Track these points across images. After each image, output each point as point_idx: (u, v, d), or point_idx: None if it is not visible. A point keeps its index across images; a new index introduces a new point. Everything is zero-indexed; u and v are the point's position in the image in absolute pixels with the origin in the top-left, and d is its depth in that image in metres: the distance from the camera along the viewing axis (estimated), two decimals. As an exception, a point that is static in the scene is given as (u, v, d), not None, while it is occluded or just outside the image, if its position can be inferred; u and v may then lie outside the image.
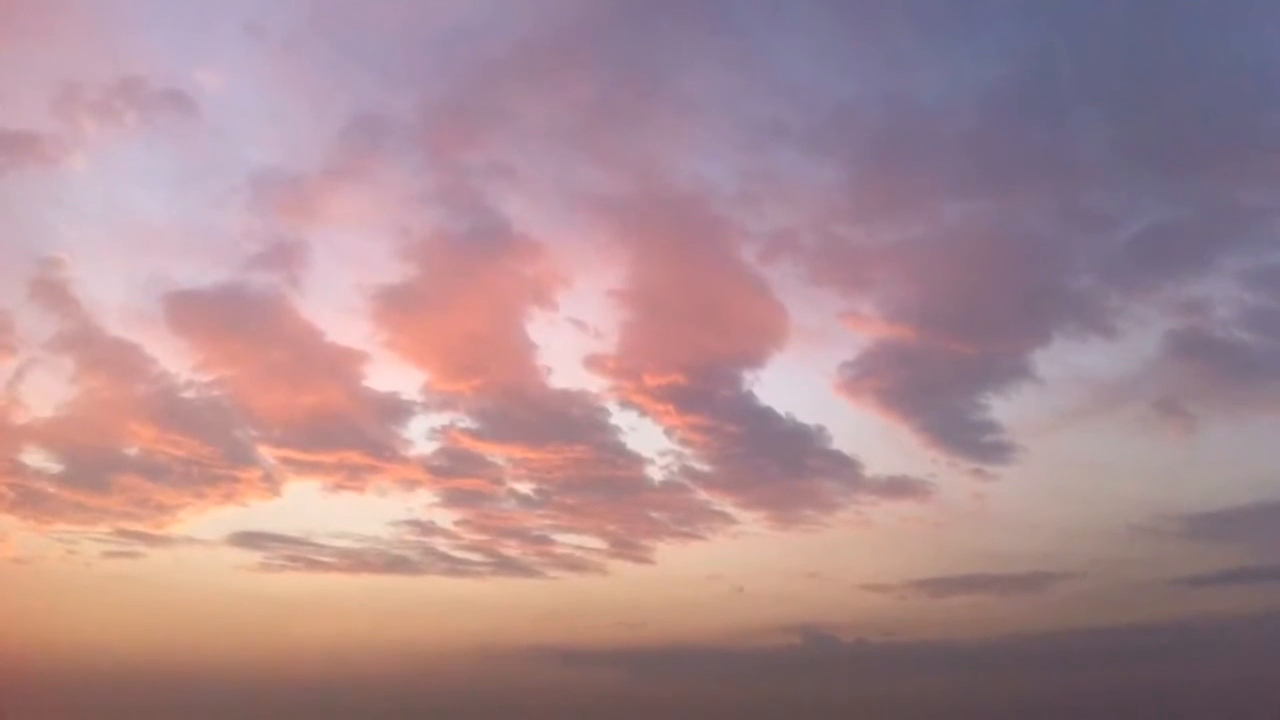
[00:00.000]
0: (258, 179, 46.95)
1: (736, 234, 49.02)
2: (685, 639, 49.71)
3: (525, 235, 48.68)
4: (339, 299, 48.23)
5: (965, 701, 45.95)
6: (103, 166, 46.81)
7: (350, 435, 47.78)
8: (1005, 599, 47.97)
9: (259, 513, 47.37)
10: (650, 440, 49.43)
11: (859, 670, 47.82)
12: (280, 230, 47.38)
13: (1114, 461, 48.23)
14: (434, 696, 46.24)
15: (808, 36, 49.54)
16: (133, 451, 47.08)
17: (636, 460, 48.72)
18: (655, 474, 48.90)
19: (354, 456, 47.60)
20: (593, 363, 48.87)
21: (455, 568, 48.21)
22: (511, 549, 48.64)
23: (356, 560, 47.82)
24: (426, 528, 48.07)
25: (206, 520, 47.02)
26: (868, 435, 50.76)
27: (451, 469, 48.24)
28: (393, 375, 48.53)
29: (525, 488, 48.85)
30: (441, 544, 48.16)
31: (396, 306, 47.85)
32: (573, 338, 48.78)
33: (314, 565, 47.32)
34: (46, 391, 45.47)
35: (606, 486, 49.16)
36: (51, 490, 45.14)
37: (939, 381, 49.97)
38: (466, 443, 48.47)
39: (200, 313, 46.57)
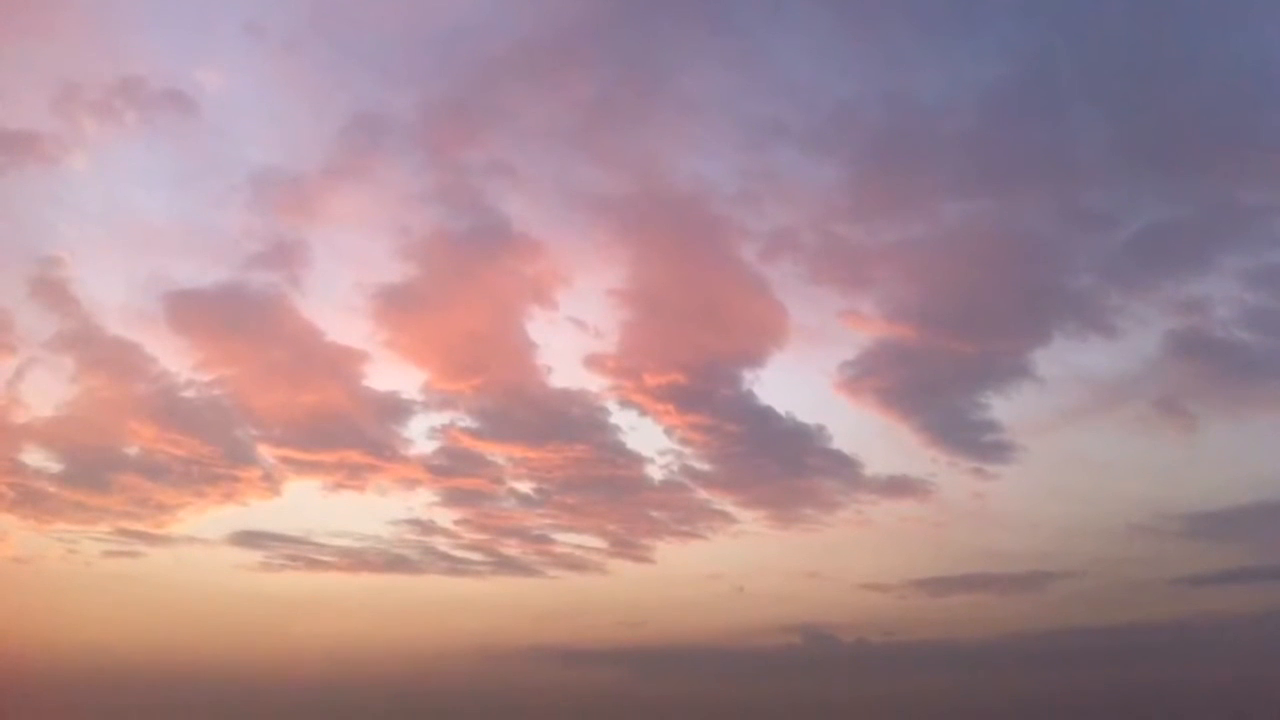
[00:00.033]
0: (258, 178, 47.11)
1: (736, 233, 49.19)
2: (685, 638, 49.89)
3: (525, 234, 48.86)
4: (339, 298, 48.38)
5: (965, 701, 46.01)
6: (103, 166, 46.98)
7: (350, 434, 47.91)
8: (1005, 598, 48.13)
9: (259, 512, 47.52)
10: (650, 439, 49.62)
11: (859, 670, 47.98)
12: (280, 229, 47.54)
13: (1114, 461, 48.47)
14: (434, 696, 46.34)
15: (808, 36, 49.74)
16: (133, 451, 47.22)
17: (636, 459, 48.88)
18: (655, 473, 49.07)
19: (354, 456, 47.74)
20: (593, 362, 49.03)
21: (455, 567, 48.35)
22: (512, 548, 48.78)
23: (357, 559, 47.96)
24: (427, 527, 48.20)
25: (207, 519, 47.18)
26: (868, 434, 50.93)
27: (451, 468, 48.38)
28: (393, 374, 48.71)
29: (525, 487, 49.00)
30: (442, 543, 48.31)
31: (396, 306, 48.01)
32: (573, 337, 48.94)
33: (314, 564, 47.45)
34: (46, 391, 45.61)
35: (606, 486, 49.31)
36: (52, 489, 45.26)
37: (939, 381, 50.12)
38: (466, 442, 48.62)
39: (200, 312, 46.69)
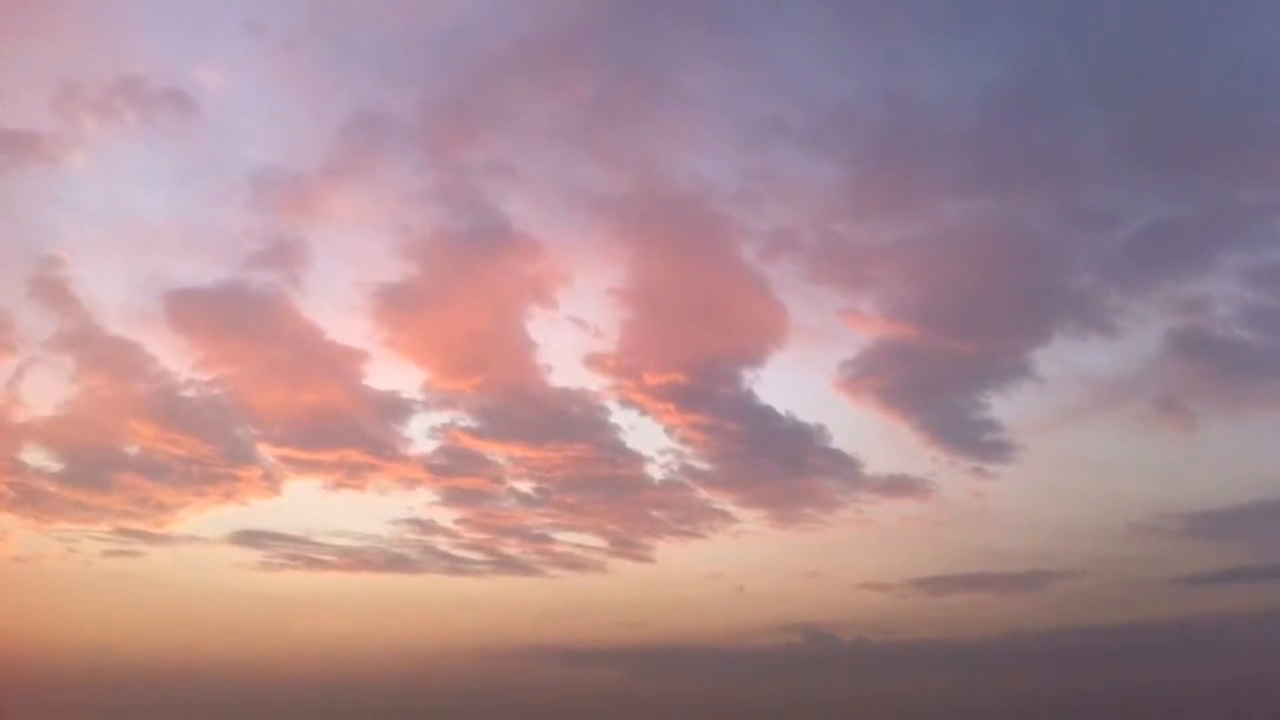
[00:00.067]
0: (258, 177, 47.06)
1: (736, 232, 49.14)
2: (685, 638, 49.87)
3: (525, 234, 48.81)
4: (339, 297, 48.33)
5: (965, 700, 45.98)
6: (103, 165, 46.92)
7: (350, 434, 47.89)
8: (1005, 597, 48.13)
9: (259, 511, 47.50)
10: (650, 439, 49.60)
11: (859, 669, 47.98)
12: (280, 229, 47.50)
13: (1114, 460, 48.43)
14: (434, 695, 46.33)
15: (808, 35, 49.70)
16: (133, 450, 47.22)
17: (637, 459, 48.88)
18: (655, 472, 49.07)
19: (354, 455, 47.73)
20: (593, 361, 49.01)
21: (455, 566, 48.34)
22: (512, 548, 48.78)
23: (357, 559, 47.95)
24: (427, 526, 48.20)
25: (207, 519, 47.16)
26: (868, 434, 50.89)
27: (452, 467, 48.38)
28: (393, 374, 48.69)
29: (525, 486, 49.02)
30: (442, 543, 48.31)
31: (397, 305, 47.99)
32: (573, 336, 48.92)
33: (314, 564, 47.46)
34: (46, 390, 45.56)
35: (607, 485, 49.31)
36: (52, 489, 45.25)
37: (939, 380, 50.13)
38: (467, 441, 48.62)
39: (200, 311, 46.67)
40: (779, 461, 49.56)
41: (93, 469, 45.98)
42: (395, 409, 47.95)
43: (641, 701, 47.63)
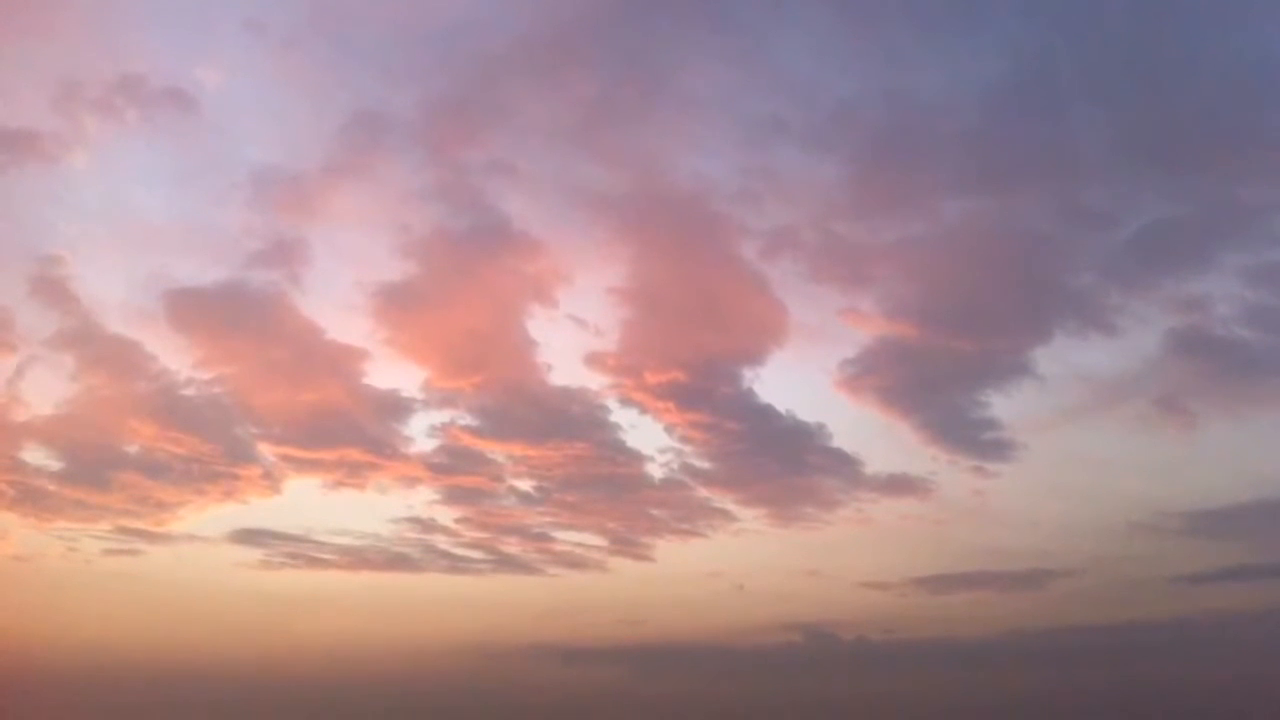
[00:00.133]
0: (258, 176, 47.10)
1: (737, 231, 49.17)
2: (685, 637, 49.93)
3: (525, 233, 48.81)
4: (339, 296, 48.43)
5: (965, 699, 45.99)
6: (103, 164, 46.99)
7: (350, 432, 47.91)
8: (1005, 596, 48.16)
9: (259, 510, 47.55)
10: (650, 437, 49.66)
11: (859, 668, 47.99)
12: (280, 227, 47.55)
13: (1114, 459, 48.42)
14: (434, 694, 46.35)
15: (808, 34, 49.70)
16: (133, 449, 47.28)
17: (637, 457, 48.90)
18: (655, 471, 49.08)
19: (354, 454, 47.76)
20: (593, 360, 49.05)
21: (455, 565, 48.35)
22: (512, 546, 48.80)
23: (357, 558, 47.99)
24: (427, 525, 48.23)
25: (207, 518, 47.21)
26: (868, 432, 50.88)
27: (452, 466, 48.40)
28: (393, 372, 48.78)
29: (525, 485, 49.05)
30: (442, 541, 48.33)
31: (397, 304, 48.00)
32: (573, 335, 48.96)
33: (314, 563, 47.50)
34: (47, 389, 45.66)
35: (607, 484, 49.33)
36: (52, 488, 45.29)
37: (939, 379, 50.11)
38: (467, 440, 48.64)
39: (200, 310, 46.66)
40: (779, 460, 49.69)
41: (93, 468, 46.16)
42: (395, 408, 48.10)
43: (642, 700, 47.73)
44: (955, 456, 48.45)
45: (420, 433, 48.13)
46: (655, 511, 48.94)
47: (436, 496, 48.47)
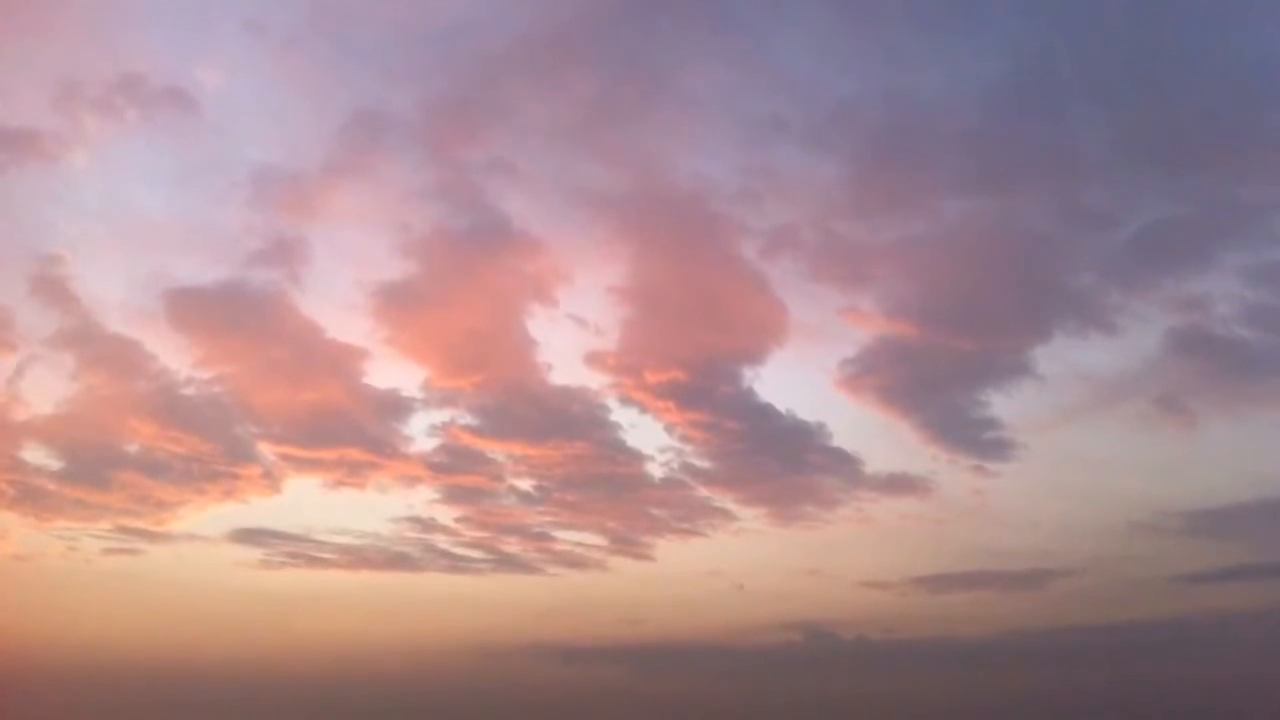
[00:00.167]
0: (258, 176, 47.05)
1: (737, 231, 49.12)
2: (685, 636, 49.88)
3: (525, 232, 48.78)
4: (339, 296, 48.37)
5: (965, 698, 45.98)
6: (103, 163, 46.97)
7: (350, 432, 47.89)
8: (1005, 596, 48.13)
9: (259, 509, 47.52)
10: (650, 437, 49.61)
11: (859, 667, 47.96)
12: (280, 227, 47.51)
13: (1114, 458, 48.36)
14: (434, 693, 46.32)
15: (808, 33, 49.64)
16: (133, 448, 47.27)
17: (637, 457, 48.87)
18: (655, 470, 49.04)
19: (354, 453, 47.75)
20: (593, 359, 49.03)
21: (455, 564, 48.34)
22: (512, 546, 48.78)
23: (357, 557, 47.97)
24: (427, 524, 48.21)
25: (207, 517, 47.18)
26: (868, 432, 50.82)
27: (452, 466, 48.38)
28: (393, 372, 48.74)
29: (526, 484, 49.03)
30: (442, 541, 48.32)
31: (397, 303, 47.98)
32: (573, 334, 48.93)
33: (314, 562, 47.50)
34: (47, 388, 45.63)
35: (607, 483, 49.31)
36: (52, 487, 45.27)
37: (939, 378, 50.06)
38: (467, 439, 48.63)
39: (201, 309, 46.66)
40: (779, 460, 49.66)
41: (93, 467, 46.14)
42: (395, 407, 48.08)
43: (642, 699, 47.71)
44: (955, 456, 48.55)
45: (420, 432, 48.25)
46: (655, 511, 49.07)
47: (436, 496, 48.59)
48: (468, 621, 49.29)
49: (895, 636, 48.17)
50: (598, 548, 48.73)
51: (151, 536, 46.14)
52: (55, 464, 45.28)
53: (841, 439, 48.84)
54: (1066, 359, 48.36)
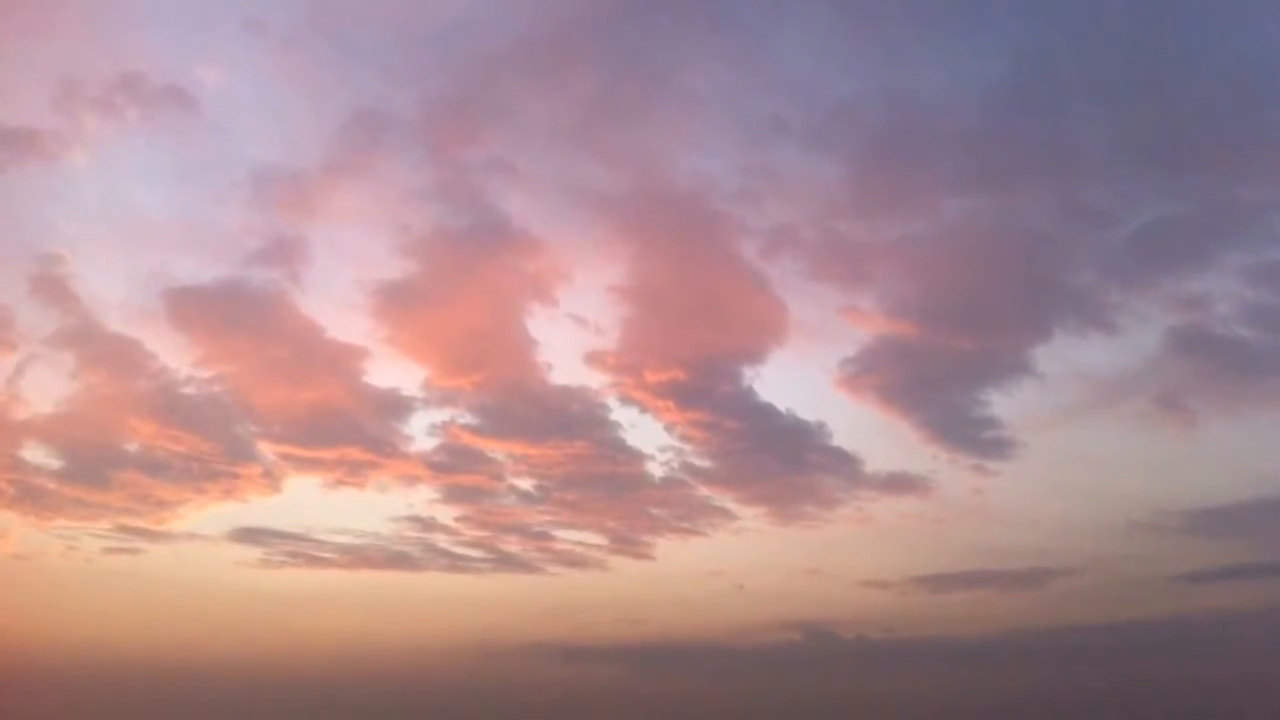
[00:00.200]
0: (258, 175, 47.07)
1: (737, 230, 49.12)
2: (686, 635, 49.86)
3: (525, 231, 48.75)
4: (339, 295, 48.30)
5: (965, 697, 46.00)
6: (103, 162, 46.91)
7: (351, 431, 47.85)
8: (1005, 595, 48.12)
9: (259, 509, 47.46)
10: (650, 436, 49.57)
11: (859, 666, 47.99)
12: (280, 226, 47.48)
13: (1114, 457, 48.34)
14: (434, 693, 46.31)
15: (808, 33, 49.72)
16: (133, 447, 47.21)
17: (637, 456, 48.85)
18: (656, 470, 49.01)
19: (354, 452, 47.72)
20: (593, 359, 49.01)
21: (455, 564, 48.32)
22: (512, 545, 48.74)
23: (357, 556, 47.94)
24: (427, 524, 48.17)
25: (207, 516, 47.13)
26: (868, 431, 50.76)
27: (452, 465, 48.36)
28: (393, 371, 48.72)
29: (526, 484, 49.00)
30: (442, 540, 48.29)
31: (397, 302, 47.95)
32: (573, 334, 48.89)
33: (314, 561, 47.48)
34: (47, 387, 45.59)
35: (607, 483, 49.26)
36: (52, 486, 45.24)
37: (939, 377, 50.03)
38: (467, 439, 48.61)
39: (200, 308, 46.62)
40: (779, 459, 49.62)
41: (93, 466, 46.10)
42: (395, 406, 48.05)
43: (641, 699, 47.72)
44: (955, 455, 48.51)
45: (420, 431, 48.22)
46: (655, 510, 49.04)
47: (436, 495, 48.55)
48: (468, 621, 49.44)
49: (895, 636, 48.28)
50: (598, 547, 48.86)
51: (151, 536, 46.24)
52: (55, 463, 45.38)
53: (841, 438, 48.95)
54: (1066, 358, 48.48)
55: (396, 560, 47.82)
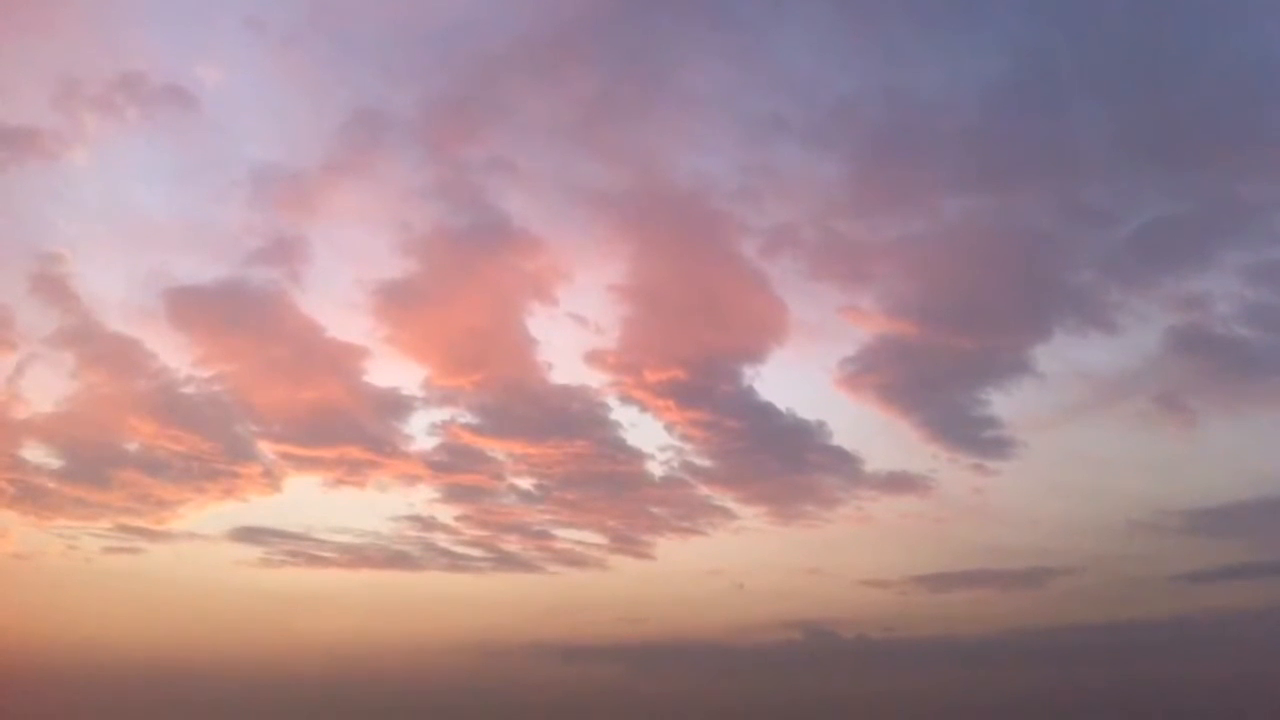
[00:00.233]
0: (258, 174, 47.03)
1: (737, 229, 49.08)
2: (686, 634, 49.88)
3: (525, 230, 48.72)
4: (339, 294, 48.31)
5: (965, 697, 46.02)
6: (103, 161, 46.91)
7: (351, 430, 47.85)
8: (1005, 594, 48.13)
9: (259, 508, 47.48)
10: (651, 435, 49.58)
11: (859, 666, 47.99)
12: (280, 225, 47.48)
13: (1114, 457, 48.35)
14: (434, 692, 46.35)
15: (808, 31, 49.66)
16: (133, 447, 47.23)
17: (637, 455, 48.86)
18: (656, 469, 49.02)
19: (354, 452, 47.73)
20: (593, 358, 48.99)
21: (456, 563, 48.34)
22: (512, 544, 48.77)
23: (357, 556, 47.97)
24: (427, 523, 48.20)
25: (207, 515, 47.16)
26: (868, 430, 50.74)
27: (452, 464, 48.36)
28: (393, 370, 48.71)
29: (526, 483, 49.01)
30: (442, 539, 48.31)
31: (397, 302, 47.94)
32: (573, 333, 48.88)
33: (314, 561, 47.49)
34: (47, 387, 45.60)
35: (607, 482, 49.28)
36: (52, 485, 45.26)
37: (939, 376, 50.01)
38: (467, 438, 48.61)
39: (201, 308, 46.62)
40: (779, 458, 49.61)
41: (93, 466, 46.13)
42: (395, 406, 48.05)
43: (641, 698, 47.75)
44: (955, 454, 48.50)
45: (420, 431, 48.22)
46: (655, 509, 49.04)
47: (436, 494, 48.56)
48: (468, 620, 49.46)
49: (895, 635, 48.26)
50: (598, 546, 48.87)
51: (151, 535, 46.26)
52: (55, 462, 45.40)
53: (841, 437, 48.95)
54: (1066, 357, 48.46)
55: (396, 560, 47.97)
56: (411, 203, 48.20)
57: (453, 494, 48.45)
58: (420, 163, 48.33)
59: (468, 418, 48.52)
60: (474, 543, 48.44)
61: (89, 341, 45.52)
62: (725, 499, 48.87)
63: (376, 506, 48.31)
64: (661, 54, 49.23)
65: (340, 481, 47.70)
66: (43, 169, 45.12)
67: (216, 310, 46.78)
